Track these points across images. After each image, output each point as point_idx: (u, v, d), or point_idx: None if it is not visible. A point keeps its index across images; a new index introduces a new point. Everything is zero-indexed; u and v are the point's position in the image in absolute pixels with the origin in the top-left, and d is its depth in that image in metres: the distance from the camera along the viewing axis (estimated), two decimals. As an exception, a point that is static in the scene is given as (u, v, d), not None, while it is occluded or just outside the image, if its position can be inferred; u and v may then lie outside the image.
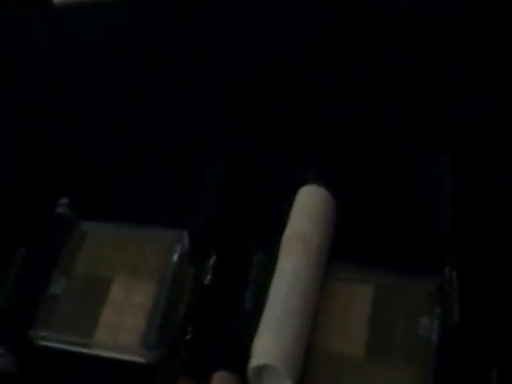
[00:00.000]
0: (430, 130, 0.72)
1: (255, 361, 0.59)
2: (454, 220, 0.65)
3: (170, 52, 0.82)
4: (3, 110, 0.80)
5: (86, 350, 0.64)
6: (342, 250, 0.65)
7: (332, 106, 0.75)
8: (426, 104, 0.74)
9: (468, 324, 0.61)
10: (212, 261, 0.66)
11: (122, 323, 0.65)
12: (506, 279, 0.63)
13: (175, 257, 0.67)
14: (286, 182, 0.69)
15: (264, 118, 0.76)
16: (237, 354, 0.62)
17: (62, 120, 0.79)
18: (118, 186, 0.73)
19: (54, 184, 0.73)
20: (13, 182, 0.74)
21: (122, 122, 0.78)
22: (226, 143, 0.74)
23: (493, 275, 0.63)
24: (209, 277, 0.65)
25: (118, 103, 0.79)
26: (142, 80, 0.81)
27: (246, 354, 0.61)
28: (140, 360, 0.63)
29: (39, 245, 0.69)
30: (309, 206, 0.65)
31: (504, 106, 0.73)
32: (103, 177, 0.74)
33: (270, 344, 0.59)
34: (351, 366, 0.61)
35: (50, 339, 0.65)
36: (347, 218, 0.66)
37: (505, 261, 0.64)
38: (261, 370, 0.59)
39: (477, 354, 0.60)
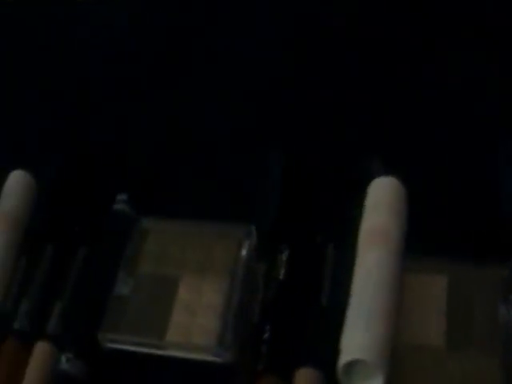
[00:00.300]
0: (493, 115, 0.70)
1: (347, 356, 0.57)
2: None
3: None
4: (51, 108, 0.77)
5: (157, 352, 0.62)
6: (413, 240, 0.62)
7: (392, 95, 0.72)
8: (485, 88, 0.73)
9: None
10: (284, 256, 0.64)
11: (195, 323, 0.62)
12: None
13: (244, 253, 0.65)
14: (350, 171, 0.67)
15: (328, 104, 0.73)
16: (319, 350, 0.60)
17: (115, 115, 0.75)
18: (176, 180, 0.70)
19: (109, 181, 0.70)
20: (65, 181, 0.71)
21: (176, 114, 0.75)
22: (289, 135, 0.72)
23: None
24: (283, 272, 0.63)
25: (172, 96, 0.75)
26: (191, 72, 0.78)
27: (328, 350, 0.58)
28: (216, 360, 0.61)
29: (100, 244, 0.66)
30: (385, 199, 0.63)
31: None
32: (160, 171, 0.71)
33: (361, 339, 0.57)
34: (431, 357, 0.59)
35: (119, 342, 0.62)
36: (415, 207, 0.64)
37: None
38: (351, 365, 0.57)
39: None
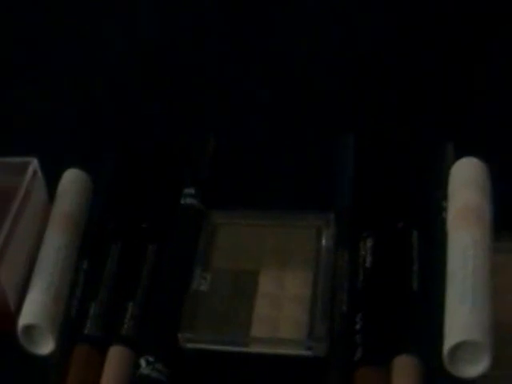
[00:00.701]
0: None
1: (454, 338, 0.54)
2: None
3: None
4: (105, 107, 0.74)
5: (242, 349, 0.58)
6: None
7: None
8: None
9: None
10: (369, 242, 0.61)
11: (281, 316, 0.59)
12: None
13: (325, 242, 0.62)
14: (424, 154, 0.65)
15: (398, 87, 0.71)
16: (415, 336, 0.56)
17: (173, 107, 0.73)
18: (244, 171, 0.68)
19: (174, 175, 0.67)
20: (123, 178, 0.67)
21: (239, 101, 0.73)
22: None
23: None
24: (369, 259, 0.60)
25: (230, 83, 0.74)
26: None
27: (424, 336, 0.56)
28: (307, 354, 0.57)
29: (170, 240, 0.63)
30: (473, 178, 0.61)
31: None
32: (228, 162, 0.68)
33: (467, 319, 0.54)
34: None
35: (201, 341, 0.58)
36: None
37: None
38: (455, 349, 0.54)
39: None
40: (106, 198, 0.67)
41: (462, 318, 0.55)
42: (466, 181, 0.62)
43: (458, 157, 0.64)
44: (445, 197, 0.62)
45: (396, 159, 0.66)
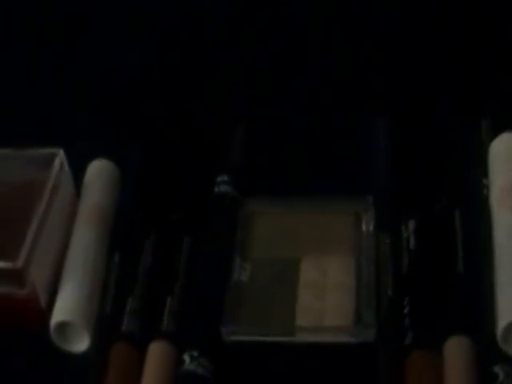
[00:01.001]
0: None
1: (507, 318, 0.52)
2: None
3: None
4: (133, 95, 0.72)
5: (287, 339, 0.57)
6: None
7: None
8: None
9: None
10: (411, 225, 0.59)
11: (326, 304, 0.57)
12: None
13: (365, 226, 0.60)
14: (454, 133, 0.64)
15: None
16: (464, 317, 0.55)
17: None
18: (277, 157, 0.66)
19: (205, 163, 0.65)
20: (152, 169, 0.66)
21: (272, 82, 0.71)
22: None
23: None
24: (413, 242, 0.59)
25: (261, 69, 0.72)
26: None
27: (473, 316, 0.55)
28: (355, 341, 0.56)
29: (206, 231, 0.61)
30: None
31: None
32: (261, 147, 0.66)
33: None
34: None
35: (244, 333, 0.57)
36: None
37: None
38: (509, 327, 0.53)
39: None
40: (134, 188, 0.65)
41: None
42: (507, 156, 0.60)
43: (494, 133, 0.63)
44: (485, 174, 0.61)
45: (432, 138, 0.65)
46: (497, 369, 0.53)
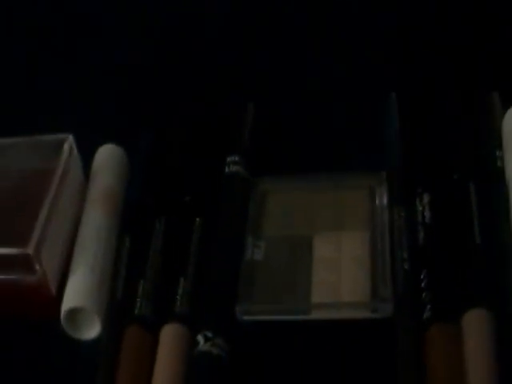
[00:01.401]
0: None
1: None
2: None
3: None
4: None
5: (303, 317, 0.55)
6: None
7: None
8: None
9: None
10: (425, 198, 0.58)
11: (341, 280, 0.56)
12: None
13: (379, 200, 0.59)
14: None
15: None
16: (484, 290, 0.54)
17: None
18: (287, 135, 0.65)
19: (215, 144, 0.64)
20: (162, 152, 0.65)
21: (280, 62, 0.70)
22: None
23: None
24: (428, 215, 0.57)
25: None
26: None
27: (494, 288, 0.53)
28: (372, 316, 0.55)
29: (218, 211, 0.60)
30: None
31: None
32: (272, 125, 0.65)
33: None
34: None
35: (260, 312, 0.56)
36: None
37: None
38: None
39: None
40: (144, 172, 0.64)
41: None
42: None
43: (504, 107, 0.62)
44: (498, 146, 0.60)
45: (444, 112, 0.63)
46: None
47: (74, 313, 0.58)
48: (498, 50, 0.68)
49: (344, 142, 0.64)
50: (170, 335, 0.56)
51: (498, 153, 0.60)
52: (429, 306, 0.54)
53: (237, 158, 0.62)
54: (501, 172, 0.59)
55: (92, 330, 0.58)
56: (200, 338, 0.55)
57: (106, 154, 0.65)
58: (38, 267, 0.58)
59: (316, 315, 0.56)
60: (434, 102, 0.65)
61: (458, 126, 0.63)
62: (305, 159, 0.64)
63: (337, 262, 0.57)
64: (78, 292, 0.58)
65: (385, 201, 0.59)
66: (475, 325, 0.54)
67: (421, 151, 0.62)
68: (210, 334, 0.55)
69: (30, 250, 0.57)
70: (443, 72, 0.68)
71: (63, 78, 0.74)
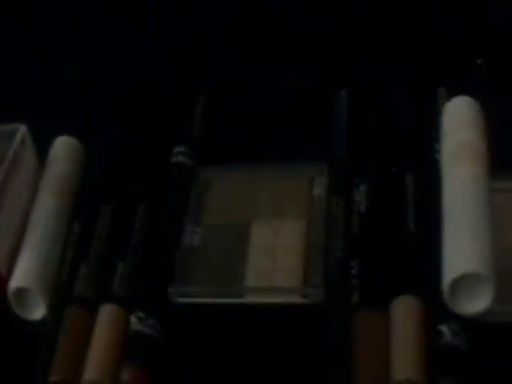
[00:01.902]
0: None
1: (455, 270, 0.51)
2: None
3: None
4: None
5: (236, 301, 0.57)
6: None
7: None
8: None
9: None
10: (362, 188, 0.59)
11: (276, 266, 0.57)
12: None
13: (318, 190, 0.60)
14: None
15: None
16: (414, 277, 0.55)
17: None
18: (235, 126, 0.66)
19: (164, 135, 0.65)
20: (120, 138, 0.67)
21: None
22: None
23: None
24: (364, 204, 0.58)
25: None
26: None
27: (423, 275, 0.54)
28: (303, 301, 0.56)
29: (161, 199, 0.61)
30: (467, 117, 0.59)
31: None
32: (218, 116, 0.67)
33: (468, 252, 0.52)
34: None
35: (194, 294, 0.57)
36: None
37: None
38: (456, 284, 0.52)
39: None
40: (99, 161, 0.65)
41: (462, 250, 0.53)
42: (459, 120, 0.60)
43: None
44: (437, 139, 0.60)
45: (389, 107, 0.65)
46: (443, 327, 0.52)
47: (22, 294, 0.59)
48: (445, 46, 0.69)
49: (291, 134, 0.65)
50: (105, 315, 0.57)
51: (436, 146, 0.60)
52: (357, 292, 0.55)
53: (182, 149, 0.63)
54: (438, 164, 0.59)
55: (38, 311, 0.59)
56: (132, 318, 0.56)
57: (62, 145, 0.66)
58: (-13, 250, 0.60)
59: (249, 299, 0.57)
60: (382, 98, 0.66)
61: (403, 120, 0.64)
62: (254, 149, 0.65)
63: (273, 249, 0.58)
64: (24, 273, 0.59)
65: (323, 191, 0.60)
66: (403, 311, 0.54)
67: (364, 144, 0.63)
68: (142, 315, 0.56)
69: (-20, 234, 0.60)
70: (392, 68, 0.69)
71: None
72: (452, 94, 0.62)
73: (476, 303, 0.52)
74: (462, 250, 0.53)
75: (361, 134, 0.63)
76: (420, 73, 0.68)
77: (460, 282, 0.52)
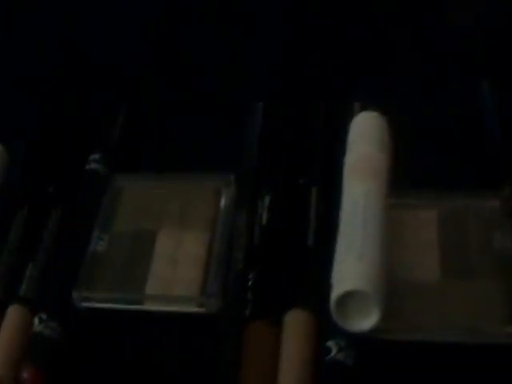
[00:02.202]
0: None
1: (340, 288, 0.52)
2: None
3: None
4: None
5: (136, 307, 0.58)
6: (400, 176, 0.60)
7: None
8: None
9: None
10: (266, 200, 0.61)
11: (176, 275, 0.58)
12: None
13: (224, 202, 0.62)
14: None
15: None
16: (308, 291, 0.56)
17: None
18: (152, 135, 0.68)
19: (81, 142, 0.67)
20: (40, 142, 0.68)
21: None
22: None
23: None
24: (266, 216, 0.60)
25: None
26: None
27: (318, 290, 0.55)
28: (199, 311, 0.57)
29: (74, 204, 0.63)
30: (369, 132, 0.60)
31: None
32: (133, 128, 0.68)
33: (354, 268, 0.53)
34: (430, 291, 0.56)
35: (95, 299, 0.58)
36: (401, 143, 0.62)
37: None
38: (344, 300, 0.53)
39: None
40: (17, 165, 0.66)
41: (348, 268, 0.54)
42: (361, 134, 0.61)
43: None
44: (344, 152, 0.62)
45: (303, 120, 0.66)
46: (330, 343, 0.54)
47: None
48: (362, 62, 0.72)
49: (204, 145, 0.66)
50: (12, 316, 0.58)
51: (343, 159, 0.61)
52: (251, 304, 0.56)
53: (97, 156, 0.65)
54: (341, 178, 0.60)
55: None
56: (35, 320, 0.57)
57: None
58: None
59: (148, 306, 0.58)
60: (299, 113, 0.68)
61: (318, 134, 0.66)
62: (166, 160, 0.66)
63: (174, 258, 0.59)
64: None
65: (230, 202, 0.62)
66: (294, 324, 0.55)
67: (275, 157, 0.64)
68: (44, 317, 0.57)
69: None
70: (310, 83, 0.70)
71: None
72: (365, 108, 0.64)
73: (363, 320, 0.53)
74: (347, 267, 0.54)
75: (273, 147, 0.64)
76: (336, 87, 0.70)
77: (347, 299, 0.53)
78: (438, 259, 0.58)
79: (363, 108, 0.64)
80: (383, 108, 0.62)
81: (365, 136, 0.60)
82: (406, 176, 0.61)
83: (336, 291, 0.53)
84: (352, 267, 0.54)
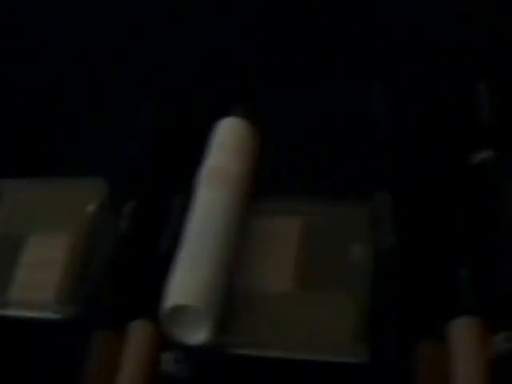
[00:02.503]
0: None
1: (167, 303, 0.54)
2: (389, 144, 0.61)
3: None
4: None
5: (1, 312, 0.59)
6: (269, 183, 0.61)
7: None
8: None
9: (404, 250, 0.56)
10: (129, 208, 0.62)
11: (37, 280, 0.60)
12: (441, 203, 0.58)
13: (91, 207, 0.63)
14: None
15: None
16: (154, 300, 0.56)
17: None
18: (35, 136, 0.68)
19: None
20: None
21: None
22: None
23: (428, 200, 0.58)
24: (125, 225, 0.61)
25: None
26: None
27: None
28: (55, 316, 0.58)
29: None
30: (226, 138, 0.61)
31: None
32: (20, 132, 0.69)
33: (182, 284, 0.54)
34: (281, 304, 0.56)
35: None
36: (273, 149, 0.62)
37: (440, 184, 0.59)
38: (176, 313, 0.54)
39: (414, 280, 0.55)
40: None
41: (177, 281, 0.55)
42: (216, 142, 0.61)
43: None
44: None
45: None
46: (166, 355, 0.55)
47: None
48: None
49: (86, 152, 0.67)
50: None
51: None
52: (98, 312, 0.57)
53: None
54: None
55: None
56: None
57: None
58: None
59: (12, 311, 0.59)
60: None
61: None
62: (49, 162, 0.67)
63: (38, 263, 0.60)
64: None
65: (97, 208, 0.62)
66: (136, 335, 0.56)
67: (147, 163, 0.64)
68: None
69: None
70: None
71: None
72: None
73: (196, 334, 0.54)
74: (176, 280, 0.55)
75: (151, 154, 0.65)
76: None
77: (176, 312, 0.54)
78: (292, 270, 0.58)
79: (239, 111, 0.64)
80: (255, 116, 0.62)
81: (219, 144, 0.60)
82: (269, 184, 0.61)
83: (164, 304, 0.54)
84: (180, 280, 0.55)
